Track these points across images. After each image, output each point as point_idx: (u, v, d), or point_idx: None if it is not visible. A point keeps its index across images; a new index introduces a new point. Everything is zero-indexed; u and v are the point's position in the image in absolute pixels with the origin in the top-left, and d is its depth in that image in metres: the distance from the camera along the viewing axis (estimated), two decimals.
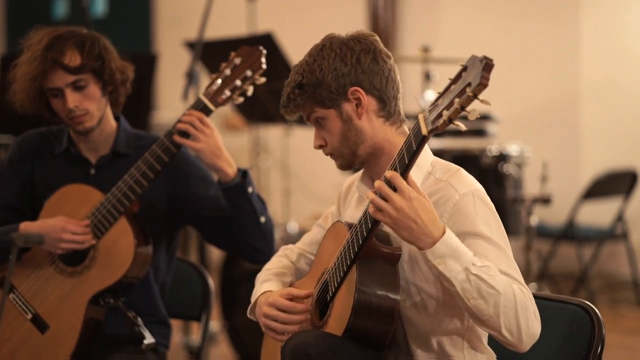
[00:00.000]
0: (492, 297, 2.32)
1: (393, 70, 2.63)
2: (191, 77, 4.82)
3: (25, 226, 3.15)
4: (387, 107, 2.61)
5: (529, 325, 2.37)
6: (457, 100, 2.18)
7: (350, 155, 2.62)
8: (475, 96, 2.15)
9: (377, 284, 2.48)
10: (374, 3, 8.27)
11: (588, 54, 7.49)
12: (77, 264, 3.17)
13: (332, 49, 2.59)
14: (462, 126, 2.22)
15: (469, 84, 2.15)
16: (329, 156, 2.68)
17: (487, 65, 2.13)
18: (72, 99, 3.17)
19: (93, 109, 3.21)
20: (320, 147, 2.67)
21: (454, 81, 2.22)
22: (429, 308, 2.55)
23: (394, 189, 2.33)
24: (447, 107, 2.20)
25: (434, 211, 2.36)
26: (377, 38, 2.64)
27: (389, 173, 2.34)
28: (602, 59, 7.49)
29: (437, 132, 2.26)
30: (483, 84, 2.12)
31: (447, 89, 2.24)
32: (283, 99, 2.65)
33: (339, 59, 2.57)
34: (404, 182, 2.32)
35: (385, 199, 2.33)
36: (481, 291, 2.32)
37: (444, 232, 2.34)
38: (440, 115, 2.23)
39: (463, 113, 2.18)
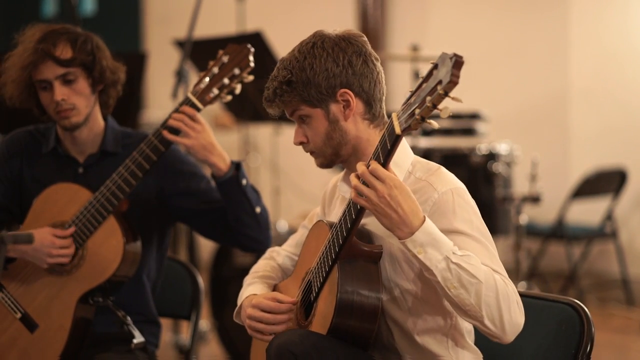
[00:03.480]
0: (473, 286, 2.31)
1: (380, 73, 2.62)
2: (180, 76, 4.81)
3: None
4: (373, 110, 2.61)
5: (511, 315, 2.35)
6: (428, 98, 2.18)
7: (333, 155, 2.62)
8: (446, 94, 2.15)
9: (359, 283, 2.48)
10: (363, 2, 8.27)
11: (577, 52, 7.50)
12: (66, 263, 3.16)
13: (323, 48, 2.56)
14: (434, 124, 2.22)
15: (440, 82, 2.15)
16: (309, 153, 2.67)
17: (457, 62, 2.13)
18: (60, 91, 3.17)
19: (80, 105, 3.21)
20: (301, 143, 2.66)
21: (426, 79, 2.23)
22: (411, 306, 2.55)
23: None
24: (419, 106, 2.21)
25: (415, 201, 2.35)
26: (366, 39, 2.63)
27: (371, 164, 2.33)
28: (591, 58, 7.50)
29: (411, 131, 2.27)
30: (453, 82, 2.12)
31: (419, 87, 2.24)
32: (268, 94, 2.62)
33: (331, 59, 2.55)
34: (386, 172, 2.32)
35: (368, 185, 2.33)
36: (462, 280, 2.31)
37: (423, 222, 2.33)
38: (412, 114, 2.23)
39: (435, 111, 2.19)
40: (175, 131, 3.13)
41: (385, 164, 2.34)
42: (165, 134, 3.13)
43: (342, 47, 2.57)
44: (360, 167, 2.35)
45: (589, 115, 7.49)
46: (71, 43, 3.19)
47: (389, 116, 2.38)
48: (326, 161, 2.64)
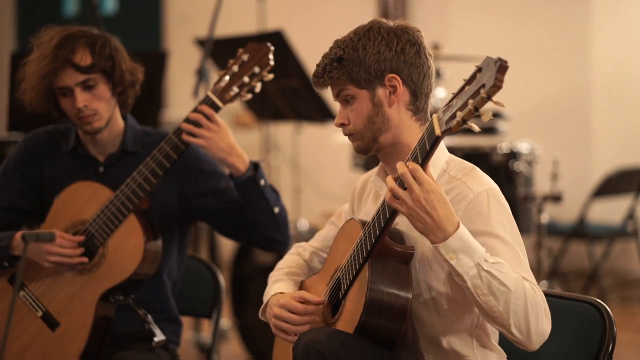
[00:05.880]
0: (502, 295, 2.32)
1: (432, 68, 2.63)
2: (201, 75, 4.81)
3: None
4: (418, 102, 2.61)
5: (538, 324, 2.36)
6: (471, 101, 2.18)
7: (371, 140, 2.61)
8: (489, 98, 2.14)
9: (389, 282, 2.47)
10: (384, 1, 8.26)
11: (599, 51, 7.47)
12: (69, 264, 3.17)
13: (379, 33, 2.58)
14: (475, 127, 2.22)
15: (483, 86, 2.15)
16: (347, 136, 2.66)
17: (501, 67, 2.12)
18: (82, 98, 3.17)
19: (102, 110, 3.21)
20: (341, 125, 2.65)
21: (468, 82, 2.22)
22: (439, 307, 2.55)
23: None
24: (461, 108, 2.21)
25: (451, 206, 2.35)
26: (422, 34, 2.64)
27: (411, 165, 2.32)
28: (612, 56, 7.47)
29: (451, 133, 2.27)
30: (497, 86, 2.12)
31: (462, 89, 2.24)
32: (318, 70, 2.63)
33: (384, 43, 2.57)
34: (425, 175, 2.32)
35: (404, 187, 2.33)
36: (492, 288, 2.32)
37: (457, 228, 2.33)
38: (454, 116, 2.23)
39: (476, 113, 2.18)
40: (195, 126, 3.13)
41: (423, 165, 2.34)
42: (183, 135, 3.13)
43: (398, 34, 2.59)
44: (402, 167, 2.34)
45: (610, 113, 7.46)
46: (90, 48, 3.19)
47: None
48: (364, 145, 2.63)
